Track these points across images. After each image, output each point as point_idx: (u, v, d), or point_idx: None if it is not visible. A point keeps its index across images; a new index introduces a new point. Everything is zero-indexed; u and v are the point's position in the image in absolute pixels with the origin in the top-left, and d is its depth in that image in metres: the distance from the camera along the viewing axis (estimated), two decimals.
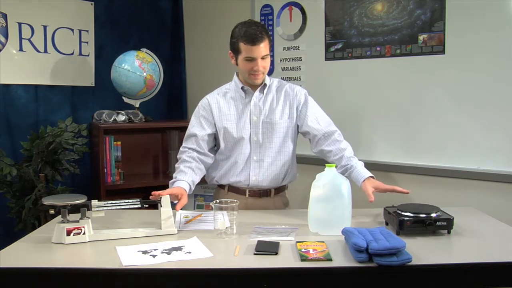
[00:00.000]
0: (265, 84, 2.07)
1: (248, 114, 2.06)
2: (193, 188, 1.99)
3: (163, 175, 3.27)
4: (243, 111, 2.07)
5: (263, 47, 1.94)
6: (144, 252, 1.53)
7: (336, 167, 1.81)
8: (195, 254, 1.52)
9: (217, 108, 2.08)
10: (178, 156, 2.10)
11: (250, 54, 1.95)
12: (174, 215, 1.84)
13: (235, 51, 1.99)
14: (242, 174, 2.07)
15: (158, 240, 1.67)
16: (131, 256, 1.49)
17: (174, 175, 2.03)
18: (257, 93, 2.07)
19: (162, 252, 1.53)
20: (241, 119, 2.06)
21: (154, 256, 1.50)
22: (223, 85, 2.16)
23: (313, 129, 2.06)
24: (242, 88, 2.07)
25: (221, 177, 2.11)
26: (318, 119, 2.08)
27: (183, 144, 2.12)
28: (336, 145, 2.03)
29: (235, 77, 2.11)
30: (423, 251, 1.50)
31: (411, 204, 1.79)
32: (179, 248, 1.57)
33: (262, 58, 1.96)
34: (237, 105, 2.08)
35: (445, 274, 1.43)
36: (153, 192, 1.79)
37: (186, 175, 1.99)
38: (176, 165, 2.06)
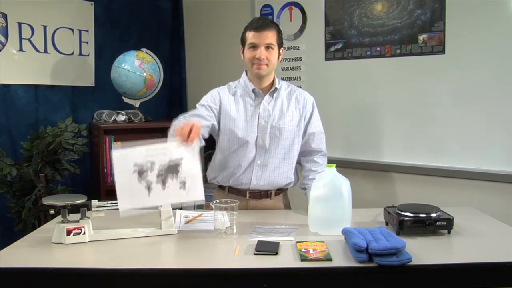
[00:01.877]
0: (276, 88, 2.06)
1: (257, 118, 2.03)
2: (202, 143, 1.88)
3: None
4: (252, 114, 2.04)
5: (268, 36, 1.94)
6: (140, 173, 1.60)
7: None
8: (188, 195, 1.65)
9: (228, 105, 2.04)
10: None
11: (254, 40, 1.95)
12: (174, 215, 1.84)
13: (243, 42, 2.01)
14: (244, 177, 2.06)
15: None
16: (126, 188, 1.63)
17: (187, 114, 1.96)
18: (267, 96, 2.05)
19: (157, 176, 1.61)
20: (249, 122, 2.03)
21: (149, 187, 1.61)
22: (229, 83, 2.13)
23: (304, 144, 2.12)
24: (253, 90, 2.04)
25: (222, 178, 2.09)
26: (315, 135, 2.11)
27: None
28: (310, 164, 2.13)
29: (244, 76, 2.09)
30: (423, 251, 1.50)
31: (411, 204, 1.79)
32: (175, 170, 1.63)
33: (267, 48, 1.96)
34: (246, 107, 2.05)
35: (445, 274, 1.43)
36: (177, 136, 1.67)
37: (204, 119, 1.93)
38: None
